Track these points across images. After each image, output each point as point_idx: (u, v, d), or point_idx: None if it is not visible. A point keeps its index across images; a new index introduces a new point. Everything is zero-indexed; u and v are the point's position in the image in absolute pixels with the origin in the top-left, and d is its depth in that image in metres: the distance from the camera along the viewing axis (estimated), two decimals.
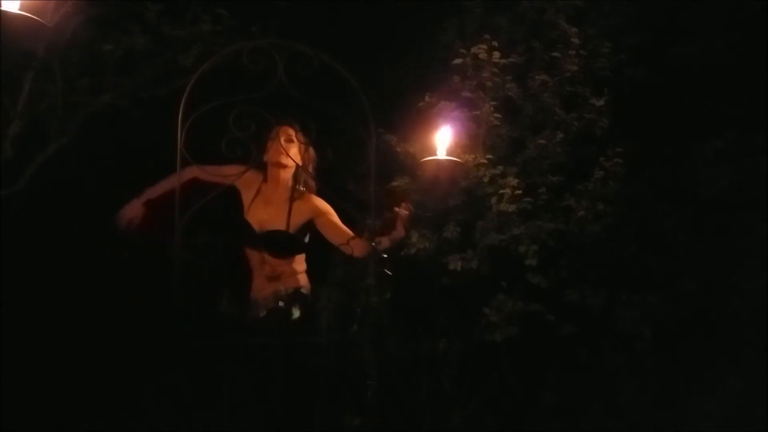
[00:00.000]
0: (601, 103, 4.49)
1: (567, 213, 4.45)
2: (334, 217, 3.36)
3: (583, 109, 4.52)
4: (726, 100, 4.67)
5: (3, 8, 2.30)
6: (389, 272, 3.14)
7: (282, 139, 3.30)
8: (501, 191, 4.36)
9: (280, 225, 3.32)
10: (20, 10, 2.33)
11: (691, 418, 4.27)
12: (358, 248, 3.19)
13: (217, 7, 4.32)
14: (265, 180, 3.40)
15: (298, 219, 3.33)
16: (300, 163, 3.31)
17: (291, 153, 3.32)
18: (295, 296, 3.20)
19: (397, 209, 3.15)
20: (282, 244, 3.31)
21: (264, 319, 3.21)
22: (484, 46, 4.43)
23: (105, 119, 4.35)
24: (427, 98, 4.46)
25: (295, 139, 3.31)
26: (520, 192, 4.34)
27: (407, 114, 4.50)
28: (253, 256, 3.34)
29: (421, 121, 4.34)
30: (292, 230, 3.32)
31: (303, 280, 3.33)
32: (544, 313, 4.40)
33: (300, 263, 3.39)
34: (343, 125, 3.15)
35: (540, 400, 4.51)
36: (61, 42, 3.92)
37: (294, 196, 3.35)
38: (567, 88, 4.54)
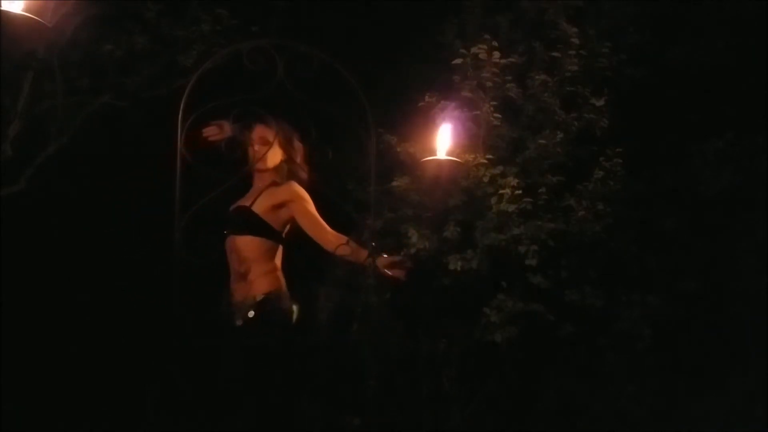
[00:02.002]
0: (601, 103, 4.48)
1: (567, 213, 4.45)
2: (310, 205, 3.24)
3: (583, 109, 4.52)
4: (726, 100, 4.67)
5: (4, 8, 2.30)
6: (389, 272, 3.13)
7: (256, 144, 3.25)
8: (501, 191, 4.35)
9: (247, 203, 3.25)
10: (21, 10, 2.33)
11: (691, 418, 4.27)
12: (355, 252, 3.11)
13: (217, 7, 4.32)
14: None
15: (269, 200, 3.21)
16: (272, 166, 3.23)
17: (269, 154, 3.24)
18: (264, 304, 3.11)
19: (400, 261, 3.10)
20: (240, 219, 3.21)
21: (241, 329, 3.15)
22: (484, 46, 4.42)
23: (105, 119, 4.36)
24: (427, 98, 4.45)
25: (271, 140, 3.25)
26: (520, 192, 4.34)
27: (407, 114, 4.50)
28: (229, 252, 3.26)
29: (421, 121, 4.34)
30: (256, 209, 3.21)
31: (272, 281, 3.18)
32: (544, 313, 4.40)
33: (268, 259, 3.24)
34: (343, 125, 3.14)
35: (540, 400, 4.52)
36: (61, 42, 3.92)
37: (271, 183, 3.27)
38: (567, 88, 4.54)
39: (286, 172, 3.27)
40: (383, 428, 3.18)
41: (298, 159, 3.29)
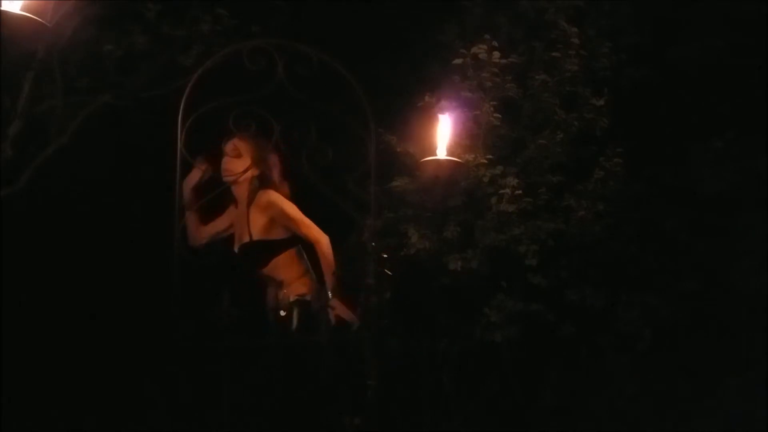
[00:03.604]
0: (601, 103, 4.48)
1: (567, 213, 4.45)
2: (292, 223, 3.23)
3: (583, 109, 4.52)
4: (726, 100, 4.67)
5: (3, 8, 2.30)
6: (389, 272, 3.13)
7: (227, 157, 3.26)
8: (501, 191, 4.35)
9: (245, 237, 3.27)
10: (20, 10, 2.33)
11: (691, 418, 4.27)
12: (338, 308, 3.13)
13: (217, 7, 4.31)
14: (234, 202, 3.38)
15: (260, 221, 3.24)
16: (242, 179, 3.24)
17: (240, 165, 3.24)
18: (297, 305, 3.15)
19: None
20: (252, 255, 3.24)
21: (271, 326, 3.18)
22: (484, 46, 4.42)
23: (105, 119, 4.35)
24: (427, 98, 4.45)
25: (242, 151, 3.25)
26: (520, 192, 4.34)
27: (407, 114, 4.50)
28: (258, 274, 3.31)
29: (421, 121, 4.34)
30: (257, 236, 3.22)
31: (306, 285, 3.23)
32: (544, 313, 4.40)
33: (297, 264, 3.28)
34: (343, 125, 3.14)
35: (540, 400, 4.51)
36: (61, 42, 3.92)
37: (249, 201, 3.27)
38: (567, 88, 4.54)
39: (257, 185, 3.27)
40: (383, 428, 3.17)
41: (275, 175, 3.29)
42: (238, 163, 3.26)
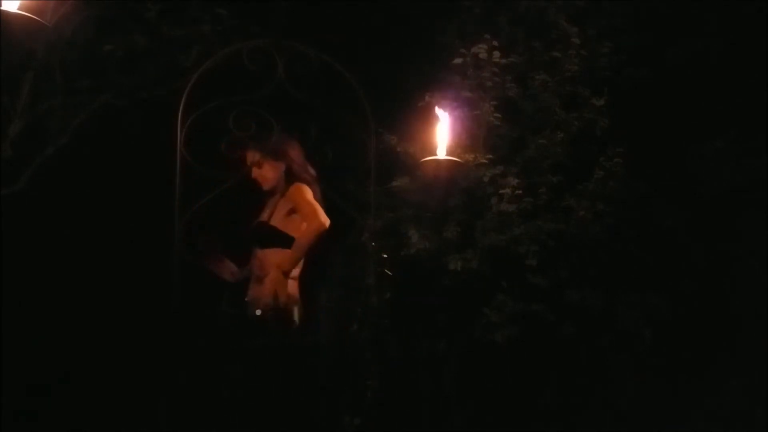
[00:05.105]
0: (601, 103, 4.48)
1: (567, 213, 4.44)
2: (296, 209, 3.24)
3: (583, 109, 4.52)
4: (726, 100, 4.67)
5: (3, 8, 2.30)
6: (389, 272, 3.13)
7: (254, 169, 3.28)
8: (501, 191, 4.36)
9: (266, 218, 3.29)
10: (20, 10, 2.33)
11: (691, 418, 4.27)
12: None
13: (217, 7, 4.32)
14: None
15: (282, 211, 3.26)
16: (274, 182, 3.26)
17: (268, 171, 3.26)
18: (272, 305, 3.13)
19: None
20: (260, 235, 3.25)
21: (245, 330, 3.17)
22: (484, 46, 4.42)
23: (105, 119, 4.35)
24: (427, 98, 4.45)
25: (261, 159, 3.27)
26: (520, 192, 4.34)
27: (407, 114, 4.50)
28: (252, 258, 3.30)
29: (421, 121, 4.34)
30: (274, 223, 3.24)
31: (285, 286, 3.21)
32: (544, 313, 4.40)
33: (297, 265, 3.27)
34: (343, 125, 3.14)
35: (540, 400, 4.52)
36: (61, 42, 3.92)
37: (282, 195, 3.29)
38: (567, 88, 4.54)
39: (285, 180, 3.28)
40: (383, 428, 3.17)
41: (299, 162, 3.29)
42: (266, 169, 3.28)
